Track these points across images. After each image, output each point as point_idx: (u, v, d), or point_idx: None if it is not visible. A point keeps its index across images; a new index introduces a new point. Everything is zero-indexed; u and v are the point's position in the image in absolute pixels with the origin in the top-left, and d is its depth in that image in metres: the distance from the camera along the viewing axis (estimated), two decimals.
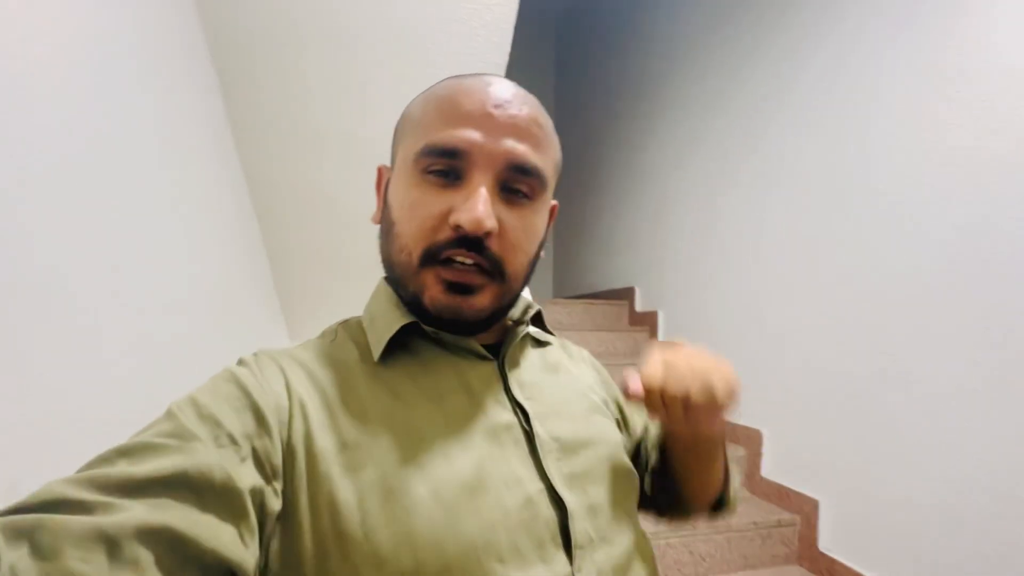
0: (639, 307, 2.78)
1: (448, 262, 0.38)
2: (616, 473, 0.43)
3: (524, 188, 0.40)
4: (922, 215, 1.36)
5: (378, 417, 0.37)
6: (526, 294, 0.51)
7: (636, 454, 0.55)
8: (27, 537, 0.23)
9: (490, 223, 0.37)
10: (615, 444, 0.45)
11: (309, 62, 1.37)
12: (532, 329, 0.51)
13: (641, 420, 0.56)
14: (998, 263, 1.19)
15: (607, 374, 0.57)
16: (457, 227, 0.37)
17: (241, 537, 0.29)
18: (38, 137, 0.67)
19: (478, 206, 0.36)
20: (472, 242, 0.37)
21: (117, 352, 0.81)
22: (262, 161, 1.59)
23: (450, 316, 0.39)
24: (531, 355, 0.48)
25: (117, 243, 0.84)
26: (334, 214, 1.79)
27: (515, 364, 0.46)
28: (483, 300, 0.40)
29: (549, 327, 0.52)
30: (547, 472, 0.39)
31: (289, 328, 2.15)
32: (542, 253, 0.45)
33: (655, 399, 0.40)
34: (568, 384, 0.48)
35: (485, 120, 0.38)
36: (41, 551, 0.23)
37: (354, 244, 1.88)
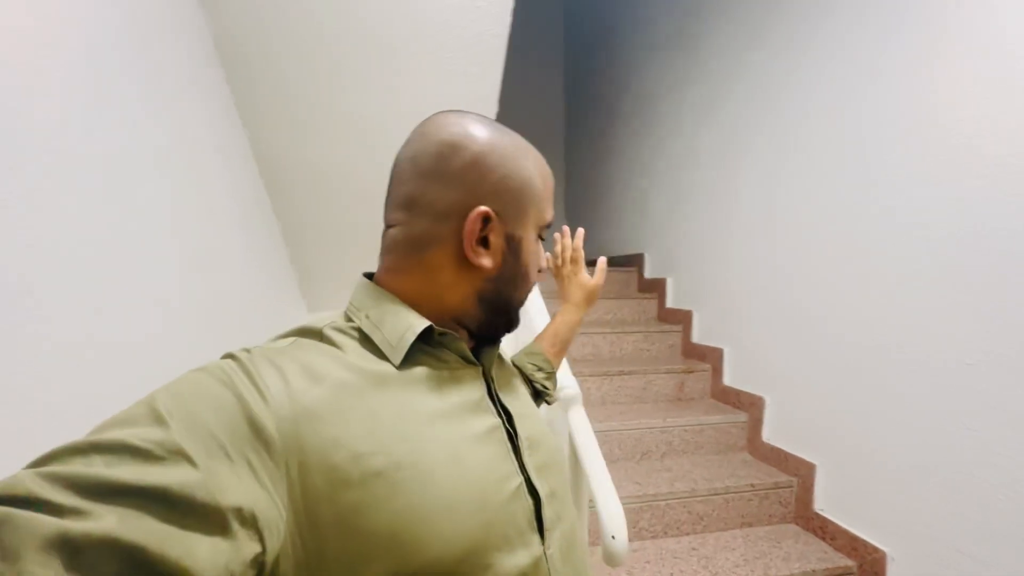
0: (648, 274, 2.80)
1: None
2: (559, 461, 0.51)
3: None
4: (925, 193, 1.34)
5: (388, 423, 0.38)
6: None
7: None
8: None
9: None
10: (553, 437, 0.54)
11: (318, 43, 1.37)
12: None
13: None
14: (998, 240, 1.18)
15: None
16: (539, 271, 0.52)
17: (216, 552, 0.28)
18: (38, 135, 0.70)
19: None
20: None
21: (150, 322, 0.88)
22: (270, 140, 1.62)
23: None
24: (498, 359, 0.55)
25: (144, 222, 0.90)
26: (346, 190, 1.82)
27: (492, 370, 0.51)
28: None
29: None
30: (526, 467, 0.45)
31: (307, 301, 2.24)
32: None
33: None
34: (520, 386, 0.56)
35: None
36: (2, 549, 0.23)
37: (367, 219, 1.92)
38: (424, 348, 0.44)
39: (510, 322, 0.52)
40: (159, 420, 0.30)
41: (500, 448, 0.44)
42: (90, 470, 0.27)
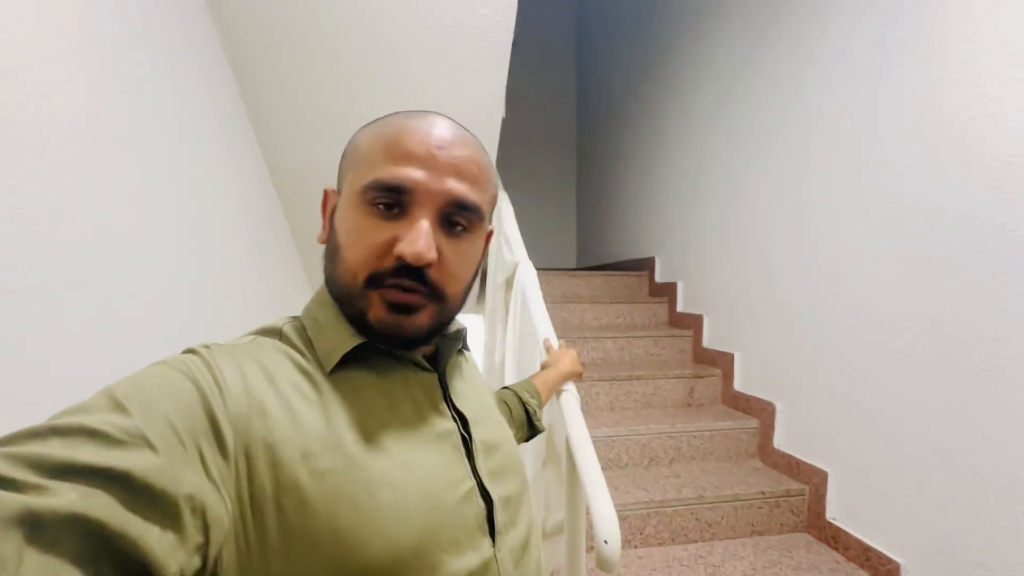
0: (658, 278, 2.77)
1: (391, 286, 0.41)
2: (517, 467, 0.50)
3: (463, 221, 0.43)
4: (937, 195, 1.31)
5: (340, 425, 0.38)
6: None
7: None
8: None
9: (430, 255, 0.39)
10: (514, 443, 0.53)
11: (324, 46, 1.40)
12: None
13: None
14: (1011, 243, 1.14)
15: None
16: (400, 257, 0.39)
17: (165, 541, 0.28)
18: (49, 139, 0.72)
19: (420, 240, 0.39)
20: (413, 271, 0.40)
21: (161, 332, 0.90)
22: (278, 142, 1.65)
23: (392, 333, 0.42)
24: (459, 365, 0.53)
25: (153, 230, 0.92)
26: None
27: (450, 375, 0.50)
28: (422, 319, 0.42)
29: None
30: (479, 472, 0.45)
31: None
32: (478, 273, 0.49)
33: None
34: (482, 392, 0.55)
35: (429, 160, 0.41)
36: None
37: None
38: (379, 348, 0.44)
39: (362, 313, 0.42)
40: (119, 407, 0.30)
41: (452, 452, 0.43)
42: (49, 450, 0.27)
